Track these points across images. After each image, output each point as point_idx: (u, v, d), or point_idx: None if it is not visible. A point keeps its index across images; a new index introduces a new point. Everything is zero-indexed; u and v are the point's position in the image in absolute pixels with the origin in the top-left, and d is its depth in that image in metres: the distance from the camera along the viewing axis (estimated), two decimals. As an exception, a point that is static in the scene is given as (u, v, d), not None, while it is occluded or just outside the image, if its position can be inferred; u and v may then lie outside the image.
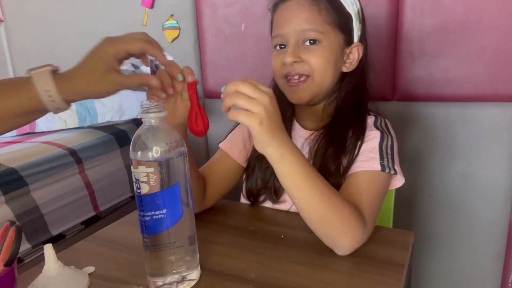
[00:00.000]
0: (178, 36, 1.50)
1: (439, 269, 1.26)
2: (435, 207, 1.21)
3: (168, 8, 1.50)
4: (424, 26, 1.10)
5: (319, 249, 0.63)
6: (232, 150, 0.85)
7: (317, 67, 0.72)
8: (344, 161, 0.73)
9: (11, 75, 1.94)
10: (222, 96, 0.55)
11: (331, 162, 0.73)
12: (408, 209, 1.24)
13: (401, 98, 1.19)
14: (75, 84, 0.56)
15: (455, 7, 1.06)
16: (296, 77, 0.73)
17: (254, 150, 0.83)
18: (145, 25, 1.55)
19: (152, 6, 1.52)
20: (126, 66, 1.47)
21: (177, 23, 1.49)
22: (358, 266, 0.60)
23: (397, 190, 0.93)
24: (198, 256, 0.58)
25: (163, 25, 1.52)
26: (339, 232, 0.61)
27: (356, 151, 0.73)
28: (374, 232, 0.67)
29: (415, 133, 1.19)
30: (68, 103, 0.57)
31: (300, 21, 0.72)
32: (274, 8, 0.77)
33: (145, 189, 0.51)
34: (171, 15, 1.50)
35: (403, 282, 0.56)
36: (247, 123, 0.54)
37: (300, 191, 0.60)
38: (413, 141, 1.19)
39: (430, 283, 1.28)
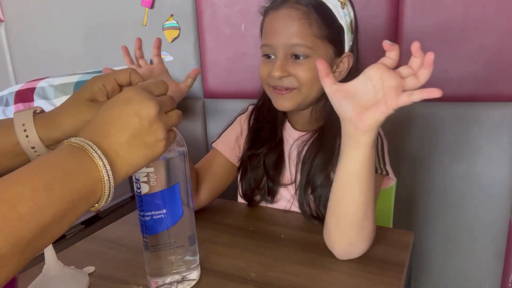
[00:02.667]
0: (178, 36, 1.50)
1: (439, 269, 1.26)
2: (435, 207, 1.21)
3: (168, 8, 1.49)
4: (424, 26, 1.10)
5: (319, 249, 0.63)
6: (225, 149, 0.85)
7: (305, 81, 0.71)
8: (332, 172, 0.72)
9: (11, 75, 1.94)
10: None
11: (318, 173, 0.73)
12: (408, 209, 1.24)
13: (401, 98, 1.18)
14: (52, 116, 0.52)
15: (455, 7, 1.06)
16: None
17: (245, 150, 0.83)
18: (145, 25, 1.55)
19: (152, 6, 1.52)
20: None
21: (177, 23, 1.49)
22: (358, 266, 0.60)
23: (397, 190, 0.93)
24: (198, 256, 0.58)
25: (163, 25, 1.51)
26: (356, 240, 0.60)
27: None
28: (374, 232, 0.67)
29: (415, 133, 1.19)
30: (46, 144, 0.51)
31: (289, 35, 0.70)
32: (265, 13, 0.75)
33: (145, 189, 0.51)
34: (171, 15, 1.50)
35: (403, 282, 0.56)
36: (408, 102, 0.54)
37: (360, 187, 0.58)
38: (413, 141, 1.19)
39: (430, 283, 1.28)
